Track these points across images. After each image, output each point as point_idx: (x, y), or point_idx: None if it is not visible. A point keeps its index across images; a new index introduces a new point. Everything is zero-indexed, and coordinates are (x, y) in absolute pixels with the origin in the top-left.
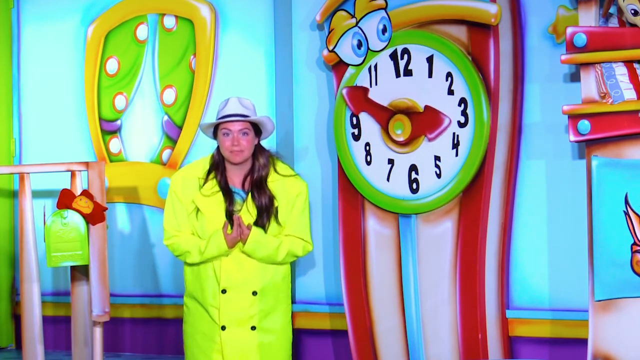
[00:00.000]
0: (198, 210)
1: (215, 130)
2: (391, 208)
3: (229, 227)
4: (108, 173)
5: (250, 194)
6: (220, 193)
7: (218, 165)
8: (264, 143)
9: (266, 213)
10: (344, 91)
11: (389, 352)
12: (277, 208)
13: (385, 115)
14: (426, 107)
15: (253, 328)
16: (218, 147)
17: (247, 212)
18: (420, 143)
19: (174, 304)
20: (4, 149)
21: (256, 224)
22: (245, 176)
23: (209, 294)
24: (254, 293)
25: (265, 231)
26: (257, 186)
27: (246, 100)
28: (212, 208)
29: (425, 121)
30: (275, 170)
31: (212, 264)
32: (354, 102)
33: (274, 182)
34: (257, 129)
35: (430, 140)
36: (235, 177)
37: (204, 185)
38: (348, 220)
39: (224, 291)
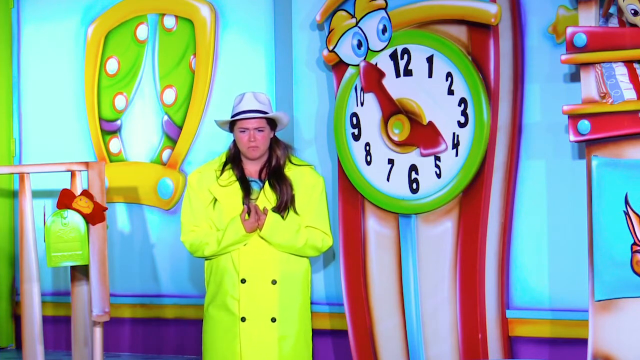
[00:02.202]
0: (215, 201)
1: (232, 124)
2: (391, 208)
3: (247, 214)
4: (108, 173)
5: (267, 183)
6: (237, 183)
7: (234, 158)
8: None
9: (286, 200)
10: (362, 64)
11: (389, 352)
12: (293, 196)
13: (390, 107)
14: (430, 122)
15: (273, 320)
16: (234, 140)
17: (265, 200)
18: None
19: (174, 304)
20: (4, 149)
21: (274, 211)
22: (262, 167)
23: (229, 284)
24: (274, 282)
25: (283, 219)
26: (276, 175)
27: (261, 95)
28: (229, 198)
29: (424, 136)
30: (290, 161)
31: (230, 256)
32: (368, 79)
33: (290, 171)
34: (272, 122)
35: (422, 155)
36: (252, 168)
37: (220, 176)
38: (348, 220)
39: (243, 281)
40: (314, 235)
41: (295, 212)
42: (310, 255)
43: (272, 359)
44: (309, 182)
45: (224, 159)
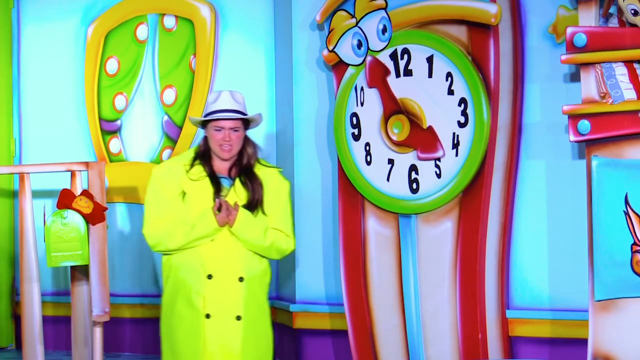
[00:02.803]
0: (184, 195)
1: (206, 121)
2: (391, 208)
3: (217, 209)
4: (108, 173)
5: (239, 180)
6: (207, 179)
7: (204, 154)
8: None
9: (258, 198)
10: (368, 59)
11: (389, 352)
12: (263, 196)
13: (391, 106)
14: (430, 127)
15: (238, 318)
16: (205, 137)
17: (235, 196)
18: None
19: None
20: (4, 149)
21: (245, 208)
22: (232, 165)
23: (194, 280)
24: (241, 279)
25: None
26: (247, 173)
27: (238, 94)
28: (199, 192)
29: (422, 139)
30: (259, 162)
31: (196, 251)
32: (372, 74)
33: (260, 171)
34: (246, 122)
35: (419, 158)
36: (222, 165)
37: (190, 170)
38: (348, 220)
39: (209, 277)
40: (280, 238)
41: (263, 212)
42: (272, 257)
43: (235, 358)
44: (277, 184)
45: (192, 155)
